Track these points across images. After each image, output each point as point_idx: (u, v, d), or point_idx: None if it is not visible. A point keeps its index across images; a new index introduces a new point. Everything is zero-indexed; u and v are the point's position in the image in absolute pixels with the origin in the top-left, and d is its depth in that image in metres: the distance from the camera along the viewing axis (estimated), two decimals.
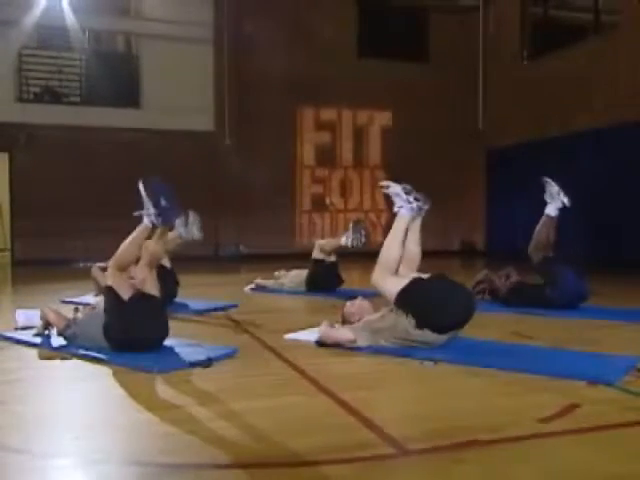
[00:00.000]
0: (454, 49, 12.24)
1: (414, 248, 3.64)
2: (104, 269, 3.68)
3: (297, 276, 6.10)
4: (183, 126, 11.04)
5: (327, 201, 12.01)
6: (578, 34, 10.58)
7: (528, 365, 2.87)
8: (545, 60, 10.96)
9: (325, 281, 5.88)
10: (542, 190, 4.90)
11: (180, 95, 10.99)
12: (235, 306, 5.05)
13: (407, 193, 3.49)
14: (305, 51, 11.55)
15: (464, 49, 12.33)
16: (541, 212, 10.40)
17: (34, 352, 3.36)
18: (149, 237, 3.39)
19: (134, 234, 3.29)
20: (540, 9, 11.58)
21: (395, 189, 3.51)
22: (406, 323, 3.25)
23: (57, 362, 3.16)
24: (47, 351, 3.33)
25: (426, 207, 3.56)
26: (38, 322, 3.72)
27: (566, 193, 4.80)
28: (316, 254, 6.03)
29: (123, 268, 3.24)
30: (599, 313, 4.46)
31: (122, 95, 11.12)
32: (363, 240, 5.90)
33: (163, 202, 3.22)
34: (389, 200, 3.64)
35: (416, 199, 3.49)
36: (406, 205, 3.48)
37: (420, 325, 3.22)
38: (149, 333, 3.26)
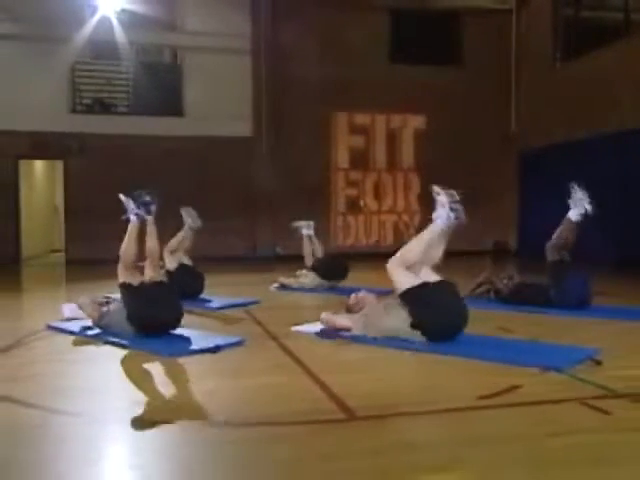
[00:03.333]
0: (487, 52, 12.44)
1: (437, 254, 3.82)
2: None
3: (317, 276, 6.58)
4: (223, 132, 11.67)
5: (361, 203, 12.43)
6: (610, 35, 10.65)
7: (494, 355, 3.25)
8: (577, 62, 11.06)
9: (331, 267, 6.60)
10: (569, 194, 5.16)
11: (220, 103, 11.64)
12: (256, 302, 5.55)
13: (452, 209, 3.64)
14: (339, 57, 11.99)
15: (497, 52, 12.53)
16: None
17: (75, 339, 3.96)
18: (143, 235, 3.99)
19: (127, 234, 3.95)
20: (572, 10, 11.66)
21: (443, 199, 3.68)
22: (401, 318, 3.63)
23: (92, 347, 3.74)
24: (84, 338, 3.91)
25: (461, 223, 3.72)
26: (81, 314, 4.33)
27: (591, 200, 5.00)
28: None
29: (129, 265, 3.85)
30: (594, 311, 4.73)
31: (167, 104, 11.83)
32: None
33: (140, 198, 3.96)
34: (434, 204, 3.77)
35: (457, 217, 3.66)
36: (444, 217, 3.66)
37: (414, 326, 3.59)
38: (164, 310, 3.79)
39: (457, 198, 3.67)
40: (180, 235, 5.84)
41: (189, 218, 5.94)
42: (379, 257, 9.04)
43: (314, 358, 3.37)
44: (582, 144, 10.46)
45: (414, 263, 3.66)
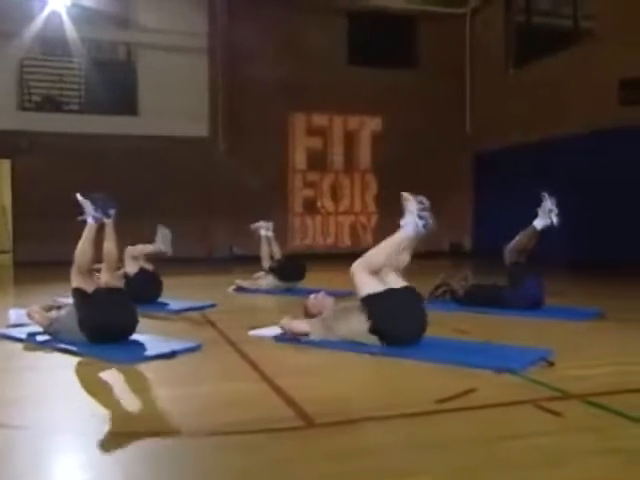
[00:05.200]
0: (442, 56, 12.66)
1: (403, 260, 3.79)
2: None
3: (274, 278, 6.54)
4: (178, 132, 11.51)
5: (318, 204, 12.45)
6: (561, 42, 10.95)
7: (449, 357, 3.28)
8: (529, 67, 11.36)
9: (289, 270, 6.56)
10: (537, 198, 5.19)
11: (176, 102, 11.46)
12: (213, 305, 5.48)
13: (420, 217, 3.55)
14: (297, 59, 12.00)
15: (452, 56, 12.76)
16: (525, 214, 10.84)
17: (22, 346, 3.81)
18: (99, 239, 3.86)
19: (83, 236, 3.78)
20: (524, 17, 11.96)
21: (411, 207, 3.58)
22: (360, 323, 3.61)
23: (41, 354, 3.60)
24: (32, 345, 3.77)
25: (430, 231, 3.62)
26: (27, 320, 4.18)
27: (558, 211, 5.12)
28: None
29: (84, 269, 3.69)
30: (545, 312, 4.84)
31: (120, 103, 11.58)
32: None
33: (98, 200, 3.85)
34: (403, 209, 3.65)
35: (425, 225, 3.55)
36: (412, 224, 3.55)
37: (373, 331, 3.57)
38: (118, 319, 3.68)
39: (426, 205, 3.57)
40: (148, 249, 5.64)
41: (161, 243, 5.65)
42: (336, 258, 9.07)
43: (271, 363, 3.33)
44: (535, 147, 10.74)
45: (379, 268, 3.60)
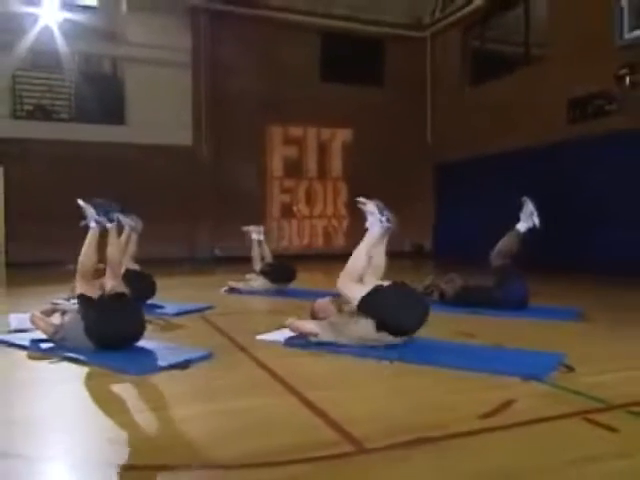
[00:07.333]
0: (406, 75, 12.35)
1: (380, 260, 3.57)
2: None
3: (266, 280, 6.04)
4: (164, 141, 10.87)
5: (294, 209, 11.98)
6: (513, 64, 10.77)
7: (471, 363, 2.87)
8: (484, 86, 11.12)
9: (280, 272, 6.04)
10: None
11: (161, 113, 10.82)
12: (210, 307, 4.94)
13: (380, 213, 3.44)
14: (274, 75, 11.52)
15: (415, 75, 12.46)
16: (481, 219, 10.53)
17: (24, 355, 3.22)
18: (104, 242, 3.38)
19: (86, 241, 3.31)
20: (479, 43, 11.75)
21: (371, 207, 3.46)
22: (367, 325, 3.23)
23: (45, 364, 3.02)
24: (36, 353, 3.19)
25: (394, 227, 3.52)
26: (29, 325, 3.58)
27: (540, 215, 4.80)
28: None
29: (88, 275, 3.23)
30: (536, 312, 4.49)
31: (108, 113, 10.86)
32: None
33: (101, 204, 3.38)
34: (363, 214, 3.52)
35: (387, 220, 3.44)
36: (377, 223, 3.42)
37: (379, 328, 3.19)
38: (124, 325, 3.16)
39: (382, 205, 3.46)
40: (122, 240, 4.83)
41: (130, 222, 4.99)
42: (311, 258, 8.47)
43: (291, 372, 2.85)
44: (491, 158, 10.49)
45: (362, 274, 3.32)
